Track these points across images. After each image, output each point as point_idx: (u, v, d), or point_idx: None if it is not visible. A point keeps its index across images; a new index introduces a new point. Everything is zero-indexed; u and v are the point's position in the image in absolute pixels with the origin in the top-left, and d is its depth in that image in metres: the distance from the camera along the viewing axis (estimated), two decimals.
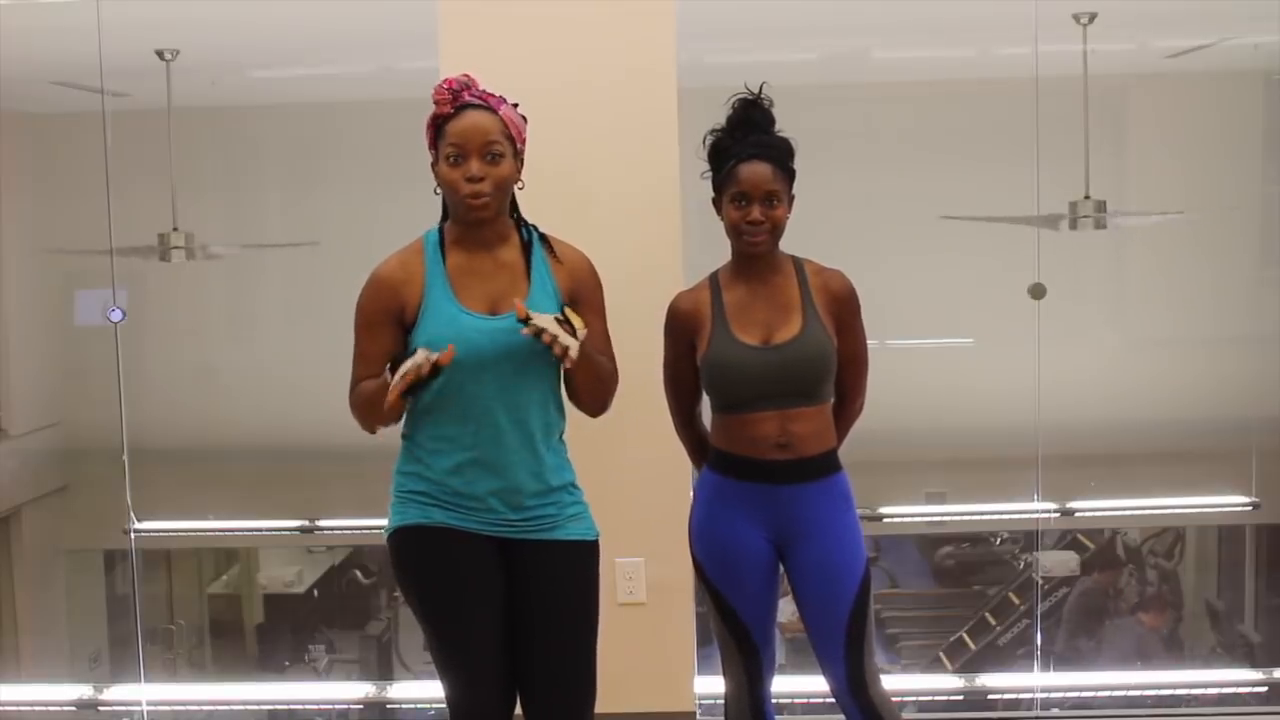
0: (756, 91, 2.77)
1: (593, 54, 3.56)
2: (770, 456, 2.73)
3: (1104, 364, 5.90)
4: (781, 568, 2.84)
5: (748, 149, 2.71)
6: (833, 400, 2.83)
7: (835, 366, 2.77)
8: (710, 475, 2.85)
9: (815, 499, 2.77)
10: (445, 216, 2.64)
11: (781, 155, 2.74)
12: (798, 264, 2.81)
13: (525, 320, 2.43)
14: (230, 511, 5.99)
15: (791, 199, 2.76)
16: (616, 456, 3.40)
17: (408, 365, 2.38)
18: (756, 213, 2.70)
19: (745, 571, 2.80)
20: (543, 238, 2.65)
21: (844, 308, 2.78)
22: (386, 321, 2.54)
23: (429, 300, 2.53)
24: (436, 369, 2.39)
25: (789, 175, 2.75)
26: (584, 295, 2.63)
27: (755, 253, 2.74)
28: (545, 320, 2.43)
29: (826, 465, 2.78)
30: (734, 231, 2.75)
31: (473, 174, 2.49)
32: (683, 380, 2.86)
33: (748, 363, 2.72)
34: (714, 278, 2.84)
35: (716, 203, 2.78)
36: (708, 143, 2.79)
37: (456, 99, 2.52)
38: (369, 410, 2.53)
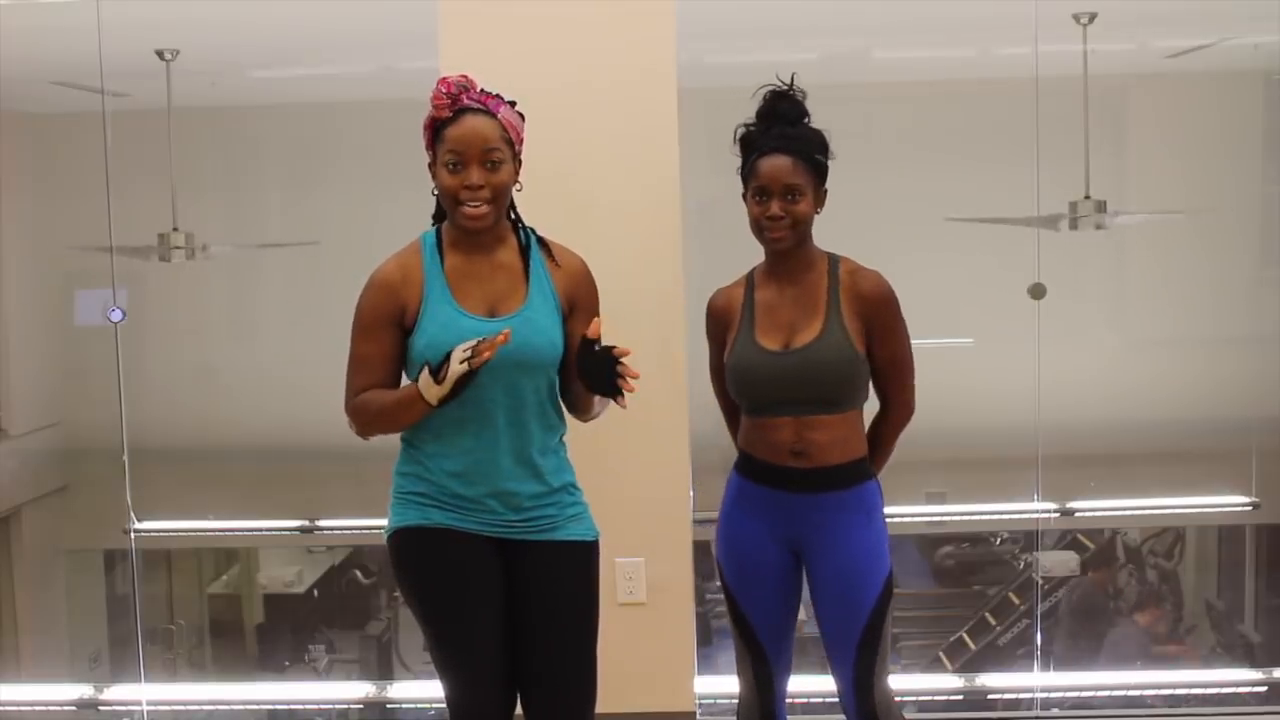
0: (788, 83, 2.71)
1: (593, 54, 3.56)
2: (786, 463, 2.68)
3: (1104, 364, 5.90)
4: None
5: (770, 141, 2.66)
6: (864, 406, 2.77)
7: (860, 372, 2.69)
8: (735, 477, 2.82)
9: (831, 509, 2.70)
10: (439, 216, 2.63)
11: (806, 148, 2.66)
12: (833, 262, 2.72)
13: (598, 342, 2.43)
14: (230, 511, 5.99)
15: (823, 194, 2.69)
16: (616, 456, 3.40)
17: (471, 353, 2.36)
18: (775, 207, 2.64)
19: (759, 576, 2.77)
20: (540, 241, 2.64)
21: (877, 310, 2.68)
22: (386, 325, 2.53)
23: (428, 303, 2.52)
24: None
25: (815, 169, 2.67)
26: (582, 300, 2.62)
27: (777, 249, 2.68)
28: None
29: (848, 476, 2.70)
30: (755, 227, 2.69)
31: (473, 182, 2.48)
32: (723, 377, 2.81)
33: (763, 367, 2.67)
34: (751, 275, 2.79)
35: (746, 197, 2.73)
36: (738, 135, 2.74)
37: (455, 103, 2.49)
38: (387, 417, 2.50)
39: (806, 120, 2.71)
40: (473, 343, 2.38)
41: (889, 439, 2.83)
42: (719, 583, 2.86)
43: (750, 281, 2.77)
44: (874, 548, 2.70)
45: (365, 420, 2.54)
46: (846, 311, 2.67)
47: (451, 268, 2.55)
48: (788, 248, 2.68)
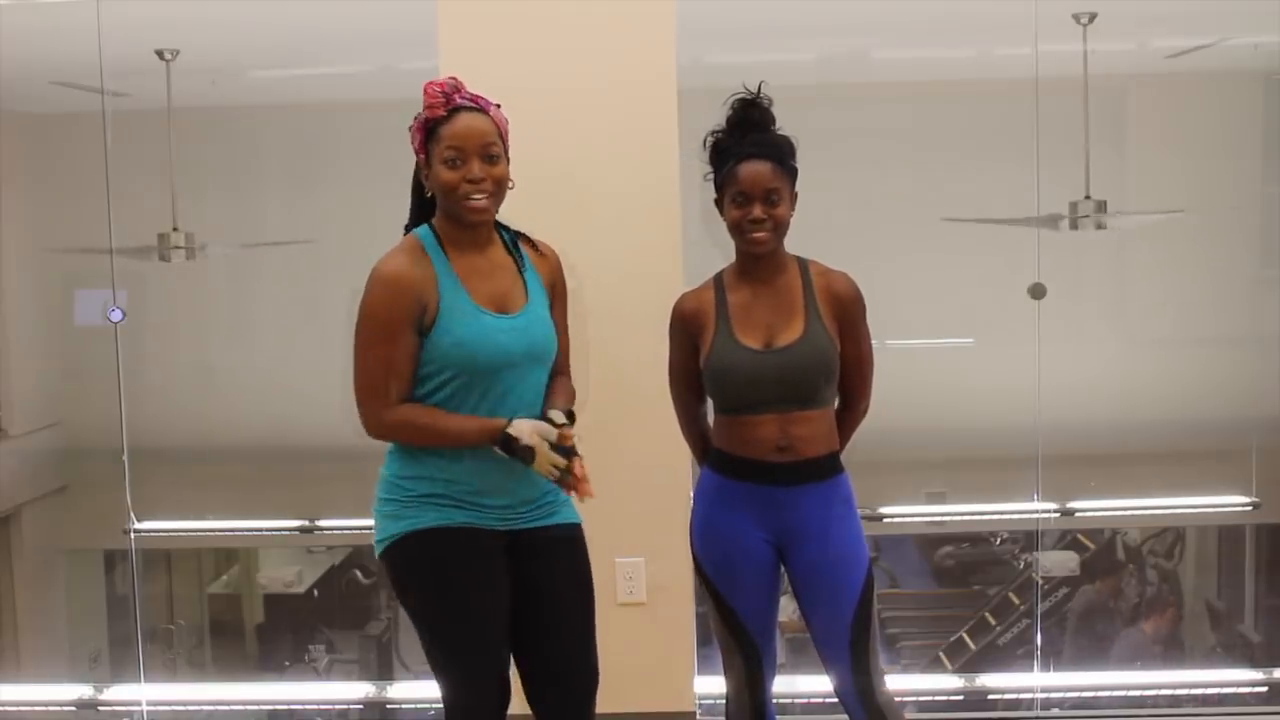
0: (755, 91, 2.77)
1: (593, 54, 3.56)
2: (770, 458, 2.73)
3: (1104, 364, 5.90)
4: (783, 569, 2.84)
5: (747, 148, 2.71)
6: (837, 403, 2.82)
7: (837, 370, 2.75)
8: (711, 475, 2.84)
9: (816, 501, 2.75)
10: (417, 217, 2.64)
11: (781, 153, 2.73)
12: (803, 265, 2.79)
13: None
14: (230, 511, 5.99)
15: (794, 197, 2.75)
16: (616, 456, 3.39)
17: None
18: (758, 211, 2.69)
19: (745, 572, 2.79)
20: (521, 235, 2.68)
21: (848, 310, 2.76)
22: (408, 325, 2.50)
23: (446, 300, 2.52)
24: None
25: (790, 173, 2.73)
26: (559, 288, 2.70)
27: (758, 252, 2.73)
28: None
29: (827, 467, 2.77)
30: (736, 231, 2.73)
31: (474, 175, 2.51)
32: (687, 380, 2.85)
33: (748, 366, 2.71)
34: (719, 278, 2.82)
35: (719, 203, 2.77)
36: (708, 144, 2.79)
37: (449, 101, 2.52)
38: (437, 440, 2.52)
39: (775, 126, 2.77)
40: (563, 464, 2.49)
41: (848, 435, 2.90)
42: (702, 584, 2.88)
43: (719, 284, 2.81)
44: (855, 537, 2.78)
45: (410, 436, 2.54)
46: (824, 311, 2.74)
47: (458, 265, 2.57)
48: (768, 250, 2.73)
